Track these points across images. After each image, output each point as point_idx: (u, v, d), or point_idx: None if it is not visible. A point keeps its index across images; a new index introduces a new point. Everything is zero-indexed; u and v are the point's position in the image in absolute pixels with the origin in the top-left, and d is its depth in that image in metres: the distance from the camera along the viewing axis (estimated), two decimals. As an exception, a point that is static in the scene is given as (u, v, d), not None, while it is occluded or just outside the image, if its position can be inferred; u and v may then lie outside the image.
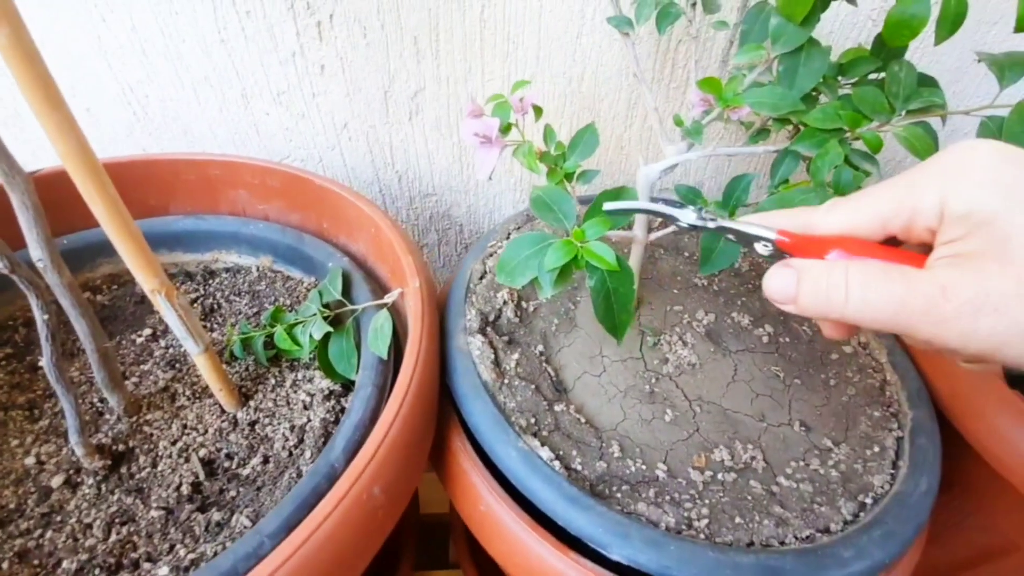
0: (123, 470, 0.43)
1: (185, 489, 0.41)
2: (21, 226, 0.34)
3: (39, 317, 0.35)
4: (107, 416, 0.46)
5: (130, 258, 0.37)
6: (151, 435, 0.45)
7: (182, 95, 0.62)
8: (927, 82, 0.41)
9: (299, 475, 0.42)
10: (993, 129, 0.35)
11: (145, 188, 0.57)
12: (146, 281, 0.38)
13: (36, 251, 0.35)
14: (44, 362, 0.37)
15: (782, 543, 0.35)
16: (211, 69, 0.60)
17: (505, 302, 0.48)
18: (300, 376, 0.50)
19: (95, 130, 0.64)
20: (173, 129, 0.65)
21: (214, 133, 0.65)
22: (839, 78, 0.43)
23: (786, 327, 0.52)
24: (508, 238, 0.55)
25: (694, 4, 0.46)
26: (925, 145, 0.37)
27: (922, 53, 0.63)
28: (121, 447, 0.44)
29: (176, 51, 0.59)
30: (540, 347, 0.47)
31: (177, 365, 0.50)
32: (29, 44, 0.28)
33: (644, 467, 0.39)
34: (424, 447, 0.39)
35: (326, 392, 0.47)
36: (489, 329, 0.46)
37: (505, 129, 0.39)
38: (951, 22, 0.36)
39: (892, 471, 0.40)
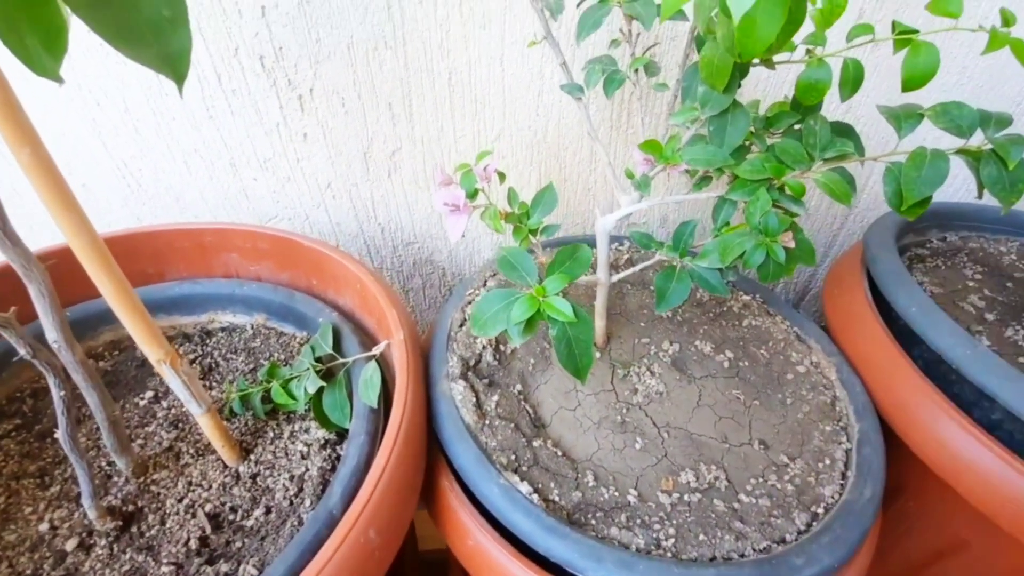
0: (133, 529, 0.46)
1: (193, 544, 0.44)
2: (38, 312, 0.38)
3: (56, 394, 0.39)
4: (115, 479, 0.49)
5: (137, 333, 0.40)
6: (158, 494, 0.48)
7: (174, 167, 0.66)
8: (843, 131, 0.47)
9: (300, 523, 0.45)
10: (895, 173, 0.41)
11: (143, 257, 0.60)
12: (152, 352, 0.41)
13: (52, 333, 0.38)
14: (60, 434, 0.40)
15: (742, 556, 0.38)
16: (200, 142, 0.65)
17: (484, 347, 0.52)
18: (297, 427, 0.53)
19: (92, 202, 0.68)
20: (166, 198, 0.69)
21: (205, 199, 0.70)
22: (769, 129, 0.49)
23: (745, 352, 0.56)
24: (485, 285, 0.59)
25: (637, 69, 0.52)
26: (842, 189, 0.42)
27: (851, 102, 0.70)
28: (131, 507, 0.47)
29: (167, 128, 0.63)
30: (518, 387, 0.51)
31: (180, 425, 0.53)
32: (47, 159, 0.33)
33: (617, 494, 0.42)
34: (415, 489, 0.42)
35: (322, 441, 0.50)
36: (470, 373, 0.50)
37: (472, 195, 0.43)
38: (851, 84, 0.41)
39: (841, 481, 0.44)
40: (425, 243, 0.79)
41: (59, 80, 0.29)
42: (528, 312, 0.36)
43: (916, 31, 0.39)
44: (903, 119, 0.41)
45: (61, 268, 0.40)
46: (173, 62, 0.29)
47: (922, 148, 0.39)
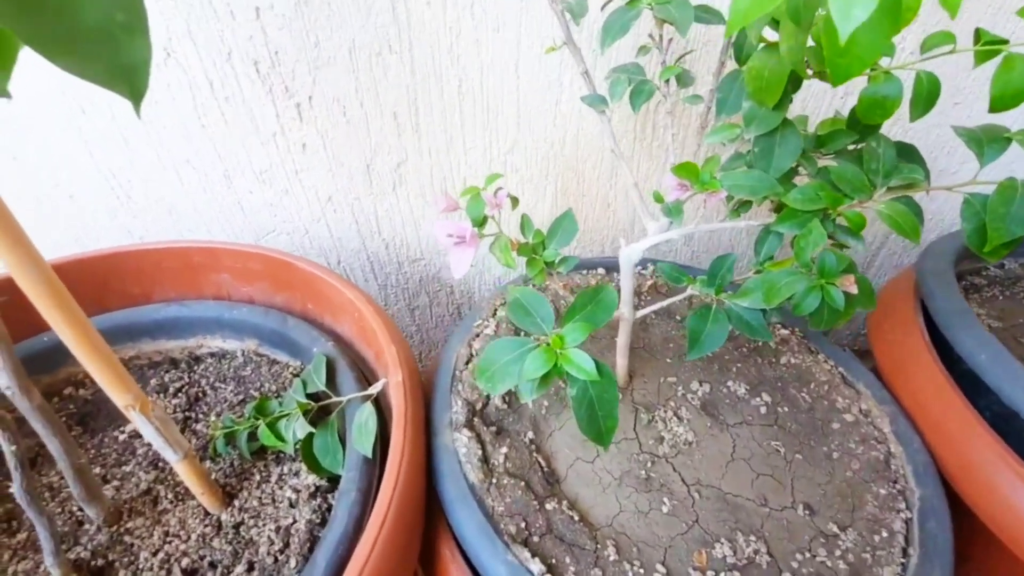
0: (101, 588, 0.41)
1: (165, 608, 0.39)
2: (-13, 356, 0.33)
3: (7, 449, 0.34)
4: (87, 525, 0.44)
5: (101, 378, 0.36)
6: (131, 545, 0.43)
7: (165, 177, 0.62)
8: (907, 152, 0.41)
9: (284, 587, 0.40)
10: (977, 207, 0.35)
11: (128, 278, 0.56)
12: (120, 398, 0.37)
13: (3, 379, 0.34)
14: (15, 490, 0.36)
15: (790, 656, 0.33)
16: (192, 152, 0.60)
17: (493, 386, 0.47)
18: (286, 470, 0.48)
19: (79, 215, 0.64)
20: (157, 209, 0.65)
21: (198, 212, 0.65)
22: (820, 150, 0.43)
23: (784, 394, 0.50)
24: (494, 315, 0.54)
25: (667, 80, 0.46)
26: (910, 223, 0.36)
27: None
28: (100, 561, 0.42)
29: (157, 137, 0.59)
30: (530, 434, 0.45)
31: (160, 464, 0.49)
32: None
33: (642, 571, 0.37)
34: (410, 561, 0.37)
35: (312, 489, 0.46)
36: (476, 420, 0.44)
37: (480, 223, 0.38)
38: (924, 101, 0.35)
39: (903, 560, 0.38)
40: (432, 260, 0.74)
41: (7, 95, 0.25)
42: (543, 367, 0.31)
43: (1005, 41, 0.33)
44: (986, 143, 0.35)
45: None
46: (129, 76, 0.24)
47: (1012, 179, 0.33)
